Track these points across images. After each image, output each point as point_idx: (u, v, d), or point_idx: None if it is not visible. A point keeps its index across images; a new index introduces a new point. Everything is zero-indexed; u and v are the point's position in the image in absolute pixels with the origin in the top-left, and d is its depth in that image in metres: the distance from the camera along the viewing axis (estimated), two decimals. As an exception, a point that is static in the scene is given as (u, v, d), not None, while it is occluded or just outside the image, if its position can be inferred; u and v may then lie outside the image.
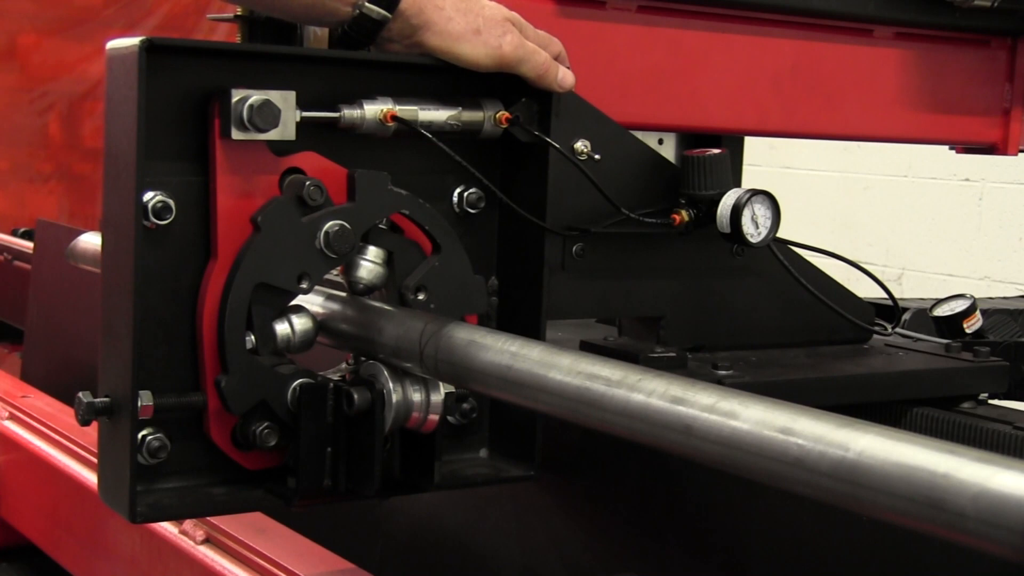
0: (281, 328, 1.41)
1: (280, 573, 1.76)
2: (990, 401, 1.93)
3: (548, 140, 1.52)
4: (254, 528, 1.87)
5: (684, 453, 1.03)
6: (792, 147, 5.40)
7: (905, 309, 2.11)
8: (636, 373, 1.09)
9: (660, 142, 1.92)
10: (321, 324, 1.45)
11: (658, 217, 1.70)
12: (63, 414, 2.55)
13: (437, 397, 1.42)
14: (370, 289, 1.47)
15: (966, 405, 1.89)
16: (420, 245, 1.48)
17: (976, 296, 2.19)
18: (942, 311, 2.15)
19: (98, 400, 1.36)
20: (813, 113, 2.03)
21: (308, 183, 1.38)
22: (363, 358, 1.46)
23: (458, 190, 1.54)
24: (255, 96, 1.34)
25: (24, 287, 3.43)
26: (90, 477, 2.23)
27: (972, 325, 2.12)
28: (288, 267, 1.39)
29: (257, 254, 1.37)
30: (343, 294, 1.49)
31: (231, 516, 1.86)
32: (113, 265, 1.36)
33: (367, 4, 1.45)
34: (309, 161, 1.42)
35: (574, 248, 1.69)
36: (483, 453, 1.60)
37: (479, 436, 1.59)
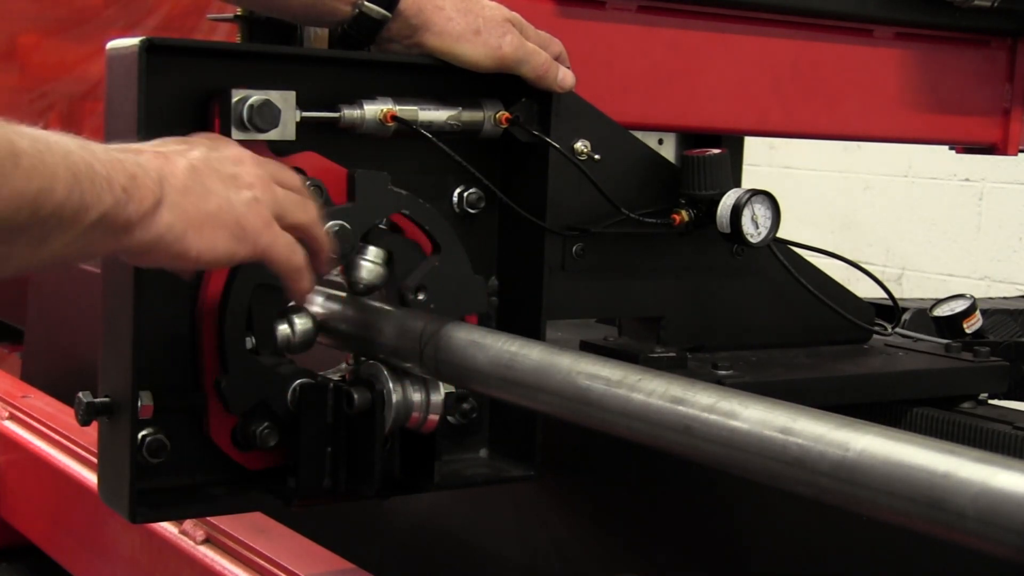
0: (281, 328, 1.41)
1: (280, 573, 1.76)
2: (990, 401, 1.93)
3: (548, 140, 1.52)
4: (254, 528, 1.87)
5: (684, 453, 1.03)
6: (792, 147, 5.40)
7: (905, 309, 2.11)
8: (636, 373, 1.09)
9: (660, 142, 1.91)
10: (321, 324, 1.45)
11: (658, 217, 1.70)
12: (63, 414, 2.55)
13: (437, 397, 1.42)
14: (370, 289, 1.47)
15: (966, 405, 1.88)
16: (420, 245, 1.48)
17: (976, 296, 2.19)
18: (942, 311, 2.14)
19: (98, 400, 1.36)
20: (813, 113, 2.03)
21: (308, 183, 1.38)
22: (363, 358, 1.46)
23: (458, 190, 1.54)
24: (255, 96, 1.34)
25: (24, 287, 3.43)
26: (90, 477, 2.23)
27: (972, 325, 2.12)
28: (288, 267, 1.38)
29: (257, 254, 1.37)
30: (343, 294, 1.49)
31: (231, 516, 1.86)
32: (113, 265, 1.36)
33: (367, 4, 1.45)
34: (309, 161, 1.42)
35: (574, 248, 1.69)
36: (483, 453, 1.60)
37: (479, 436, 1.59)
